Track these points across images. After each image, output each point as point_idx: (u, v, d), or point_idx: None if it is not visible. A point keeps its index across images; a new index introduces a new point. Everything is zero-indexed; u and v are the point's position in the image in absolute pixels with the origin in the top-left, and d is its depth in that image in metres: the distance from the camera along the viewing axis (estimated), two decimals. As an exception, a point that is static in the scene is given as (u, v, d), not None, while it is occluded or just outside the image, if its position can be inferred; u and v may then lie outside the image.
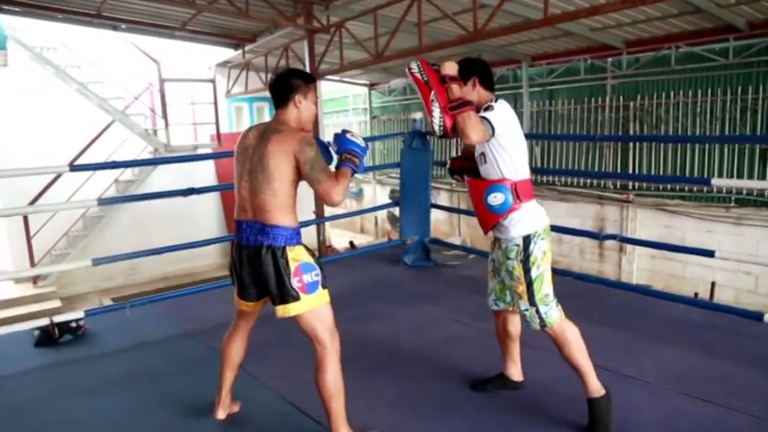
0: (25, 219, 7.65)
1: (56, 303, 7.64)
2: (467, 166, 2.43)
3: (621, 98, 8.38)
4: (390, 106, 13.17)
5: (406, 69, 2.26)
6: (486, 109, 2.16)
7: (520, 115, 9.64)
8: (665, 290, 7.57)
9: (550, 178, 9.15)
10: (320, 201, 7.32)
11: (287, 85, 2.16)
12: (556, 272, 4.23)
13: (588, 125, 8.80)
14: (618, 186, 8.50)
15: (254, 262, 2.07)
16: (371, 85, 13.44)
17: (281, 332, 2.57)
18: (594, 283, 4.26)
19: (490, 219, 2.25)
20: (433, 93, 2.11)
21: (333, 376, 2.07)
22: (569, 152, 9.16)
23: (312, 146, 2.06)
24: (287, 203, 2.07)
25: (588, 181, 8.84)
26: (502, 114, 2.16)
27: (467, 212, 9.54)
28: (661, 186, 7.98)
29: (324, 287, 2.12)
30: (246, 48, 8.71)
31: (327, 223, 11.44)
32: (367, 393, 2.65)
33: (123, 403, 2.70)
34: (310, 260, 2.10)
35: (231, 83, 9.77)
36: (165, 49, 8.82)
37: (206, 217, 10.48)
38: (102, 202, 3.57)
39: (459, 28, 5.82)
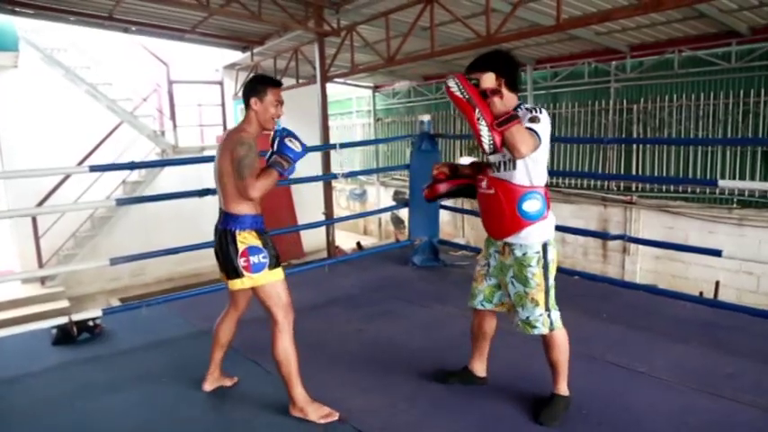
0: (33, 219, 7.71)
1: (64, 303, 7.69)
2: (456, 186, 2.56)
3: (625, 101, 8.45)
4: (395, 109, 13.23)
5: (444, 88, 2.19)
6: (533, 120, 2.10)
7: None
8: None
9: (555, 180, 9.20)
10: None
11: (245, 90, 2.47)
12: (563, 271, 4.35)
13: (592, 128, 8.87)
14: (621, 188, 8.55)
15: (218, 242, 2.44)
16: (376, 88, 13.50)
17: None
18: (602, 283, 4.34)
19: (519, 224, 2.22)
20: (477, 111, 2.05)
21: (283, 347, 2.38)
22: (573, 154, 9.22)
23: (243, 145, 2.31)
24: (237, 195, 2.34)
25: (592, 183, 8.90)
26: (547, 126, 2.15)
27: (471, 213, 9.66)
28: (664, 188, 8.05)
29: (272, 267, 2.38)
30: (255, 50, 8.77)
31: (336, 225, 11.51)
32: (384, 390, 2.71)
33: (139, 401, 2.74)
34: (258, 244, 2.38)
35: (238, 85, 9.85)
36: (173, 51, 8.89)
37: (212, 218, 10.49)
38: (121, 202, 3.63)
39: (470, 32, 5.88)
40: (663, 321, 3.53)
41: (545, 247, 2.26)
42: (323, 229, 7.75)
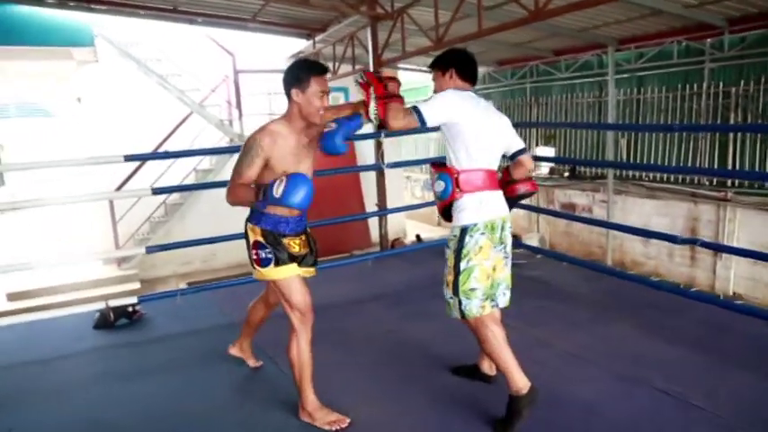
0: (111, 204, 8.15)
1: (136, 285, 8.09)
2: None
3: (721, 84, 7.50)
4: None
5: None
6: (426, 99, 2.25)
7: (604, 104, 8.98)
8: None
9: (638, 174, 8.43)
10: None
11: (285, 79, 2.23)
12: (629, 278, 3.87)
13: (682, 114, 7.97)
14: (714, 183, 7.65)
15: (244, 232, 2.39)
16: (449, 75, 13.13)
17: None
18: (669, 293, 3.75)
19: (437, 204, 2.36)
20: (371, 89, 2.29)
21: (295, 350, 2.30)
22: (659, 144, 8.38)
23: (246, 147, 2.19)
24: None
25: (681, 176, 8.05)
26: (444, 104, 2.22)
27: (545, 211, 9.11)
28: (767, 184, 7.07)
29: (279, 264, 2.27)
30: (317, 38, 8.73)
31: (403, 215, 11.36)
32: (395, 400, 2.52)
33: (159, 388, 2.75)
34: (262, 240, 2.29)
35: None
36: (240, 41, 9.06)
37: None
38: (156, 191, 3.66)
39: (520, 8, 5.42)
40: (738, 344, 2.98)
41: (463, 231, 2.24)
42: (398, 218, 7.57)
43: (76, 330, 3.58)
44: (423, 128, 2.25)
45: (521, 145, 2.45)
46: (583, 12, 6.41)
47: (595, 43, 8.57)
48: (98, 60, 8.14)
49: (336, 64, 8.55)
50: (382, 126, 2.32)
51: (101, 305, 3.65)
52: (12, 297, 7.40)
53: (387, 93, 2.29)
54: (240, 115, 8.71)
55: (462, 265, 2.22)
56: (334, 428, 2.26)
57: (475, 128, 2.21)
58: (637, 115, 8.56)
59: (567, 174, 9.82)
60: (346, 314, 3.67)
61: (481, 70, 11.88)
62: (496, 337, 2.23)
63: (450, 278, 2.26)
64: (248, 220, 2.34)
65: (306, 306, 2.29)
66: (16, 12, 7.33)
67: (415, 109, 2.19)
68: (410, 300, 3.93)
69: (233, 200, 2.19)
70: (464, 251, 2.21)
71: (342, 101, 11.92)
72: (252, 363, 2.87)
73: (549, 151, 10.08)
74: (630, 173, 8.76)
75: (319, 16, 8.14)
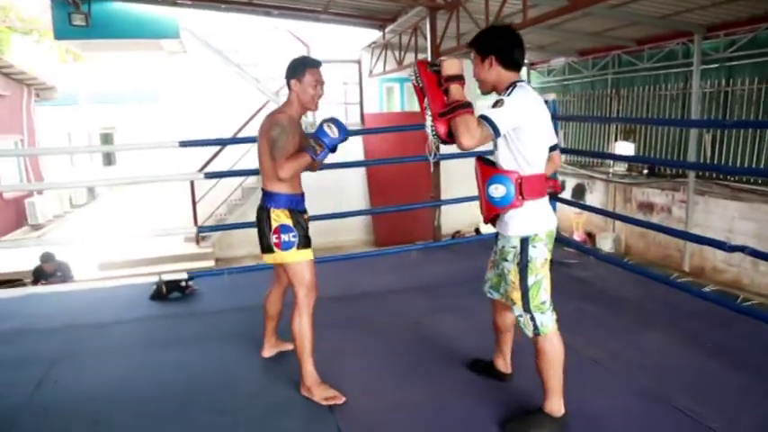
0: (192, 186, 8.77)
1: (210, 263, 8.69)
2: None
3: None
4: (550, 87, 12.30)
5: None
6: (496, 104, 1.97)
7: (689, 97, 8.28)
8: None
9: (717, 174, 7.74)
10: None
11: (286, 72, 2.49)
12: (678, 287, 3.61)
13: (777, 109, 7.21)
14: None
15: (257, 218, 2.54)
16: (531, 65, 12.68)
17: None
18: (725, 309, 3.43)
19: (490, 210, 2.12)
20: (426, 99, 2.03)
21: (299, 324, 2.43)
22: (747, 141, 7.61)
23: (277, 126, 2.36)
24: (273, 175, 2.40)
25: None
26: (514, 109, 1.96)
27: (578, 206, 8.58)
28: None
29: (300, 248, 2.43)
30: (388, 28, 8.81)
31: (471, 206, 11.15)
32: (398, 390, 2.56)
33: (193, 358, 2.97)
34: (289, 223, 2.44)
35: (373, 63, 9.99)
36: (319, 33, 9.35)
37: (353, 192, 10.93)
38: (208, 175, 3.92)
39: None
40: None
41: (524, 242, 2.07)
42: (472, 209, 7.44)
43: (134, 300, 3.94)
44: (496, 137, 1.98)
45: (555, 140, 2.27)
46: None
47: (681, 31, 7.95)
48: (186, 51, 8.76)
49: (402, 53, 8.59)
50: (447, 143, 2.02)
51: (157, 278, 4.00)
52: (102, 267, 8.24)
53: (447, 105, 1.99)
54: (313, 104, 9.01)
55: (531, 280, 2.07)
56: (329, 404, 2.37)
57: (538, 130, 2.05)
58: (724, 109, 7.84)
59: (645, 171, 9.22)
60: (378, 303, 3.75)
61: (561, 60, 11.46)
62: (559, 354, 2.11)
63: (517, 295, 2.11)
64: (265, 205, 2.48)
65: (313, 285, 2.48)
66: (112, 8, 8.08)
67: (487, 120, 1.92)
68: (446, 293, 3.93)
69: (290, 172, 2.35)
70: (530, 266, 2.06)
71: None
72: (290, 346, 2.82)
73: (628, 147, 9.50)
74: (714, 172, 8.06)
75: (389, 7, 8.20)
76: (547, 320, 2.11)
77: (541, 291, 2.09)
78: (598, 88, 10.53)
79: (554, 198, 2.36)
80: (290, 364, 2.80)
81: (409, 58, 8.59)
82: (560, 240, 5.05)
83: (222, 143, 3.79)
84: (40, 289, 5.05)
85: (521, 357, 2.49)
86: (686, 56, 8.51)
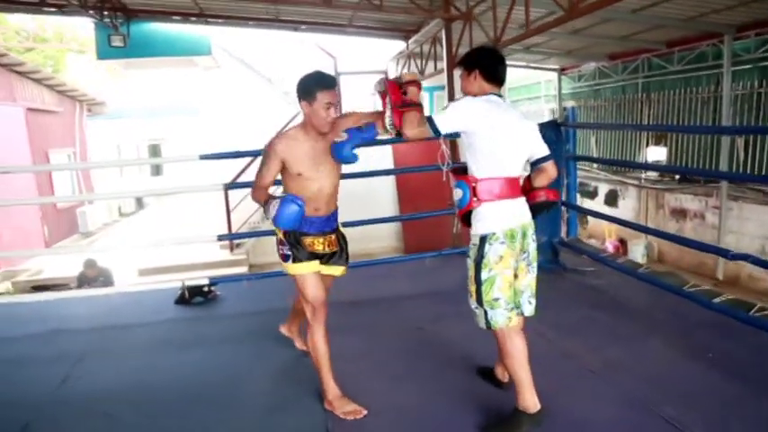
0: (226, 194, 9.08)
1: (244, 269, 8.97)
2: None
3: None
4: (581, 92, 12.15)
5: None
6: (444, 108, 2.23)
7: (719, 99, 8.03)
8: None
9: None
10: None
11: (297, 91, 2.43)
12: (688, 297, 3.54)
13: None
14: None
15: None
16: (562, 70, 12.56)
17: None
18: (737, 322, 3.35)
19: (456, 213, 2.33)
20: (388, 96, 2.32)
21: (312, 342, 2.48)
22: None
23: (266, 153, 2.42)
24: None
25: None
26: (458, 113, 2.19)
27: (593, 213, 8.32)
28: None
29: (295, 262, 2.45)
30: (411, 39, 8.96)
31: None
32: (387, 396, 2.64)
33: (208, 359, 3.14)
34: (282, 238, 2.49)
35: (397, 74, 10.11)
36: (346, 45, 9.61)
37: (383, 201, 11.07)
38: (227, 186, 4.14)
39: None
40: None
41: (482, 240, 2.21)
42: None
43: (160, 304, 4.17)
44: (437, 137, 2.25)
45: (545, 152, 2.37)
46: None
47: (710, 32, 7.75)
48: (220, 66, 9.17)
49: (423, 62, 8.74)
50: (399, 135, 2.32)
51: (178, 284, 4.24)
52: (141, 273, 8.65)
53: (404, 101, 2.29)
54: (340, 114, 9.24)
55: (483, 275, 2.19)
56: (349, 418, 2.39)
57: (491, 136, 2.16)
58: (757, 111, 7.57)
59: (677, 176, 8.99)
60: (386, 309, 3.86)
61: (591, 65, 11.31)
62: (517, 350, 2.22)
63: (473, 288, 2.25)
64: None
65: (317, 301, 2.44)
66: (148, 28, 8.56)
67: (429, 119, 2.20)
68: (453, 300, 3.89)
69: (254, 199, 2.42)
70: (484, 261, 2.19)
71: (445, 98, 12.00)
72: (299, 345, 3.06)
73: (660, 151, 9.29)
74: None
75: (412, 19, 8.36)
76: (497, 316, 2.22)
77: (494, 287, 2.20)
78: (629, 92, 10.35)
79: (536, 206, 2.41)
80: (293, 368, 2.96)
81: (430, 67, 8.72)
82: (573, 248, 5.07)
83: (240, 156, 4.00)
84: (75, 293, 5.42)
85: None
86: (717, 57, 8.30)
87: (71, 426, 2.52)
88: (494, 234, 2.19)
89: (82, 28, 18.63)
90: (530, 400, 2.19)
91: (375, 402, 2.55)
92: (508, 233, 2.19)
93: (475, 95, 2.26)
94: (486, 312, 2.23)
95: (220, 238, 4.23)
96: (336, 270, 2.60)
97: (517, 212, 2.25)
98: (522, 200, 2.30)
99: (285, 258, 2.48)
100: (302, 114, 2.43)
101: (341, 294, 2.94)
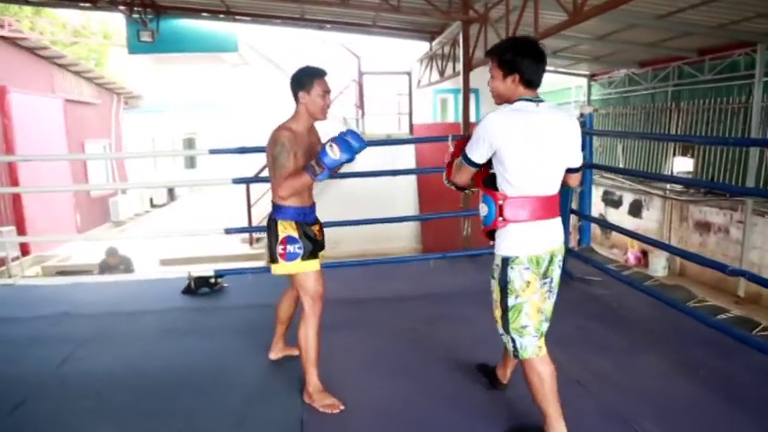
0: (247, 189, 9.29)
1: (262, 263, 9.13)
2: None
3: None
4: (611, 99, 11.92)
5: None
6: (472, 138, 2.08)
7: (748, 111, 7.77)
8: None
9: None
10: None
11: (292, 84, 2.52)
12: (689, 314, 3.46)
13: None
14: None
15: (267, 228, 2.59)
16: (592, 76, 12.35)
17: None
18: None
19: (483, 227, 2.16)
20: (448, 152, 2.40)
21: (305, 334, 2.52)
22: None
23: (277, 144, 2.40)
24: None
25: None
26: (480, 138, 2.02)
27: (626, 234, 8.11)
28: None
29: (305, 259, 2.49)
30: (435, 40, 8.97)
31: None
32: (367, 394, 2.67)
33: (203, 348, 3.25)
34: (295, 235, 2.50)
35: (420, 75, 10.17)
36: (371, 45, 9.67)
37: (404, 201, 11.08)
38: (236, 181, 4.25)
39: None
40: None
41: (504, 262, 2.06)
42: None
43: (167, 293, 4.31)
44: (480, 167, 2.10)
45: (578, 163, 2.17)
46: (716, 4, 5.68)
47: (743, 41, 7.50)
48: (248, 64, 9.37)
49: (444, 64, 8.73)
50: (464, 189, 2.30)
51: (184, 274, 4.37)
52: (163, 262, 8.91)
53: (452, 155, 2.28)
54: (363, 114, 9.32)
55: (510, 301, 2.06)
56: (327, 411, 2.44)
57: (520, 151, 1.97)
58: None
59: (703, 189, 8.74)
60: (382, 308, 3.88)
61: (621, 72, 11.08)
62: (544, 383, 2.08)
63: (498, 313, 2.13)
64: (274, 216, 2.52)
65: (319, 295, 2.54)
66: (177, 25, 8.80)
67: (464, 156, 2.08)
68: (451, 302, 3.99)
69: (289, 191, 2.38)
70: (510, 286, 2.05)
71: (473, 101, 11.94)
72: (296, 352, 2.81)
73: (686, 162, 9.05)
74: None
75: (435, 20, 8.37)
76: (527, 344, 2.08)
77: (522, 315, 2.06)
78: (658, 101, 10.11)
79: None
80: (280, 360, 3.03)
81: (449, 69, 8.71)
82: (581, 257, 5.00)
83: (245, 151, 4.10)
84: (89, 278, 5.64)
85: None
86: (749, 67, 8.02)
87: (64, 403, 2.65)
88: (517, 258, 2.03)
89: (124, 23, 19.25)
90: (558, 429, 2.11)
91: (354, 398, 2.60)
92: (533, 259, 2.04)
93: (503, 96, 2.08)
94: (513, 340, 2.11)
95: (227, 231, 4.33)
96: (320, 259, 2.65)
97: (546, 237, 2.07)
98: (556, 221, 2.11)
99: (291, 257, 2.48)
100: (297, 106, 2.51)
101: (339, 292, 3.01)
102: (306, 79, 2.46)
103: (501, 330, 2.15)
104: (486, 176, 2.16)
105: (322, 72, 2.50)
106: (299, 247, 2.48)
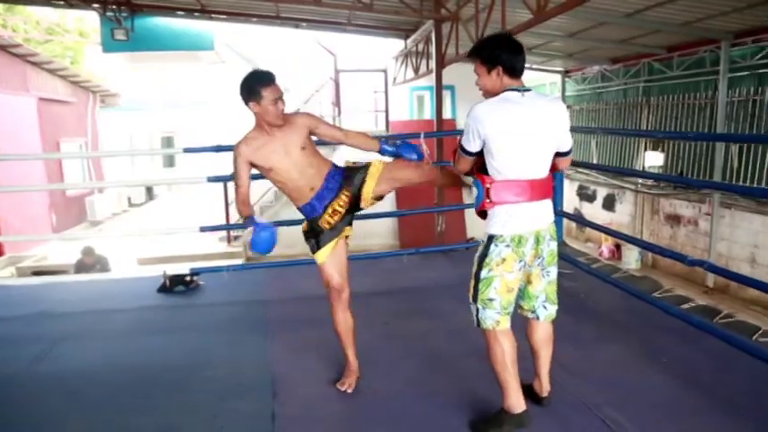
0: (225, 187, 9.27)
1: (239, 261, 9.13)
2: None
3: None
4: (585, 95, 12.12)
5: None
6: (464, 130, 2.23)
7: (715, 106, 7.99)
8: None
9: (748, 182, 7.40)
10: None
11: (241, 95, 2.48)
12: (654, 303, 3.57)
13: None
14: None
15: None
16: (566, 72, 12.53)
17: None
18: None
19: (475, 210, 2.31)
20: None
21: (337, 321, 2.68)
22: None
23: (233, 161, 2.52)
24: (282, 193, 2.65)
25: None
26: (470, 129, 2.16)
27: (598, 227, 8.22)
28: None
29: (315, 251, 2.61)
30: (410, 38, 9.04)
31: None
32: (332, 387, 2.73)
33: (176, 345, 3.28)
34: (307, 231, 2.66)
35: (396, 72, 10.25)
36: (348, 44, 9.69)
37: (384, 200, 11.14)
38: (211, 179, 4.27)
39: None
40: (733, 384, 2.69)
41: (489, 239, 2.20)
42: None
43: (143, 291, 4.31)
44: (476, 155, 2.21)
45: (567, 147, 2.26)
46: (682, 3, 5.81)
47: (709, 38, 7.71)
48: (225, 62, 9.33)
49: (418, 60, 8.81)
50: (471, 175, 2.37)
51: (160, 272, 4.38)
52: (141, 262, 8.87)
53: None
54: (339, 112, 9.36)
55: (483, 273, 2.19)
56: (342, 388, 2.64)
57: (504, 137, 2.10)
58: (752, 120, 7.51)
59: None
60: (355, 304, 3.93)
61: (595, 68, 11.26)
62: (504, 354, 2.20)
63: (471, 284, 2.25)
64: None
65: (340, 284, 2.63)
66: (152, 23, 8.73)
67: (461, 147, 2.23)
68: (426, 296, 4.05)
69: (238, 212, 2.54)
70: (486, 260, 2.18)
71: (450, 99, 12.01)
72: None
73: (657, 157, 9.26)
74: (742, 183, 7.70)
75: (410, 18, 8.44)
76: (487, 317, 2.21)
77: (491, 288, 2.18)
78: (630, 96, 10.31)
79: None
80: (253, 355, 3.09)
81: (423, 66, 8.79)
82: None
83: (221, 150, 4.11)
84: (66, 278, 5.62)
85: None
86: (715, 63, 8.23)
87: (35, 401, 2.66)
88: (501, 236, 2.17)
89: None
90: (515, 401, 2.21)
91: (326, 390, 2.67)
92: (515, 238, 2.16)
93: (492, 91, 2.18)
94: (477, 310, 2.24)
95: (203, 229, 4.36)
96: (349, 230, 2.72)
97: (531, 218, 2.18)
98: (544, 203, 2.22)
99: (312, 249, 2.63)
100: (253, 116, 2.50)
101: (311, 289, 3.04)
102: (255, 88, 2.40)
103: (470, 300, 2.27)
104: (481, 162, 2.28)
105: (270, 78, 2.43)
106: (313, 243, 2.61)
